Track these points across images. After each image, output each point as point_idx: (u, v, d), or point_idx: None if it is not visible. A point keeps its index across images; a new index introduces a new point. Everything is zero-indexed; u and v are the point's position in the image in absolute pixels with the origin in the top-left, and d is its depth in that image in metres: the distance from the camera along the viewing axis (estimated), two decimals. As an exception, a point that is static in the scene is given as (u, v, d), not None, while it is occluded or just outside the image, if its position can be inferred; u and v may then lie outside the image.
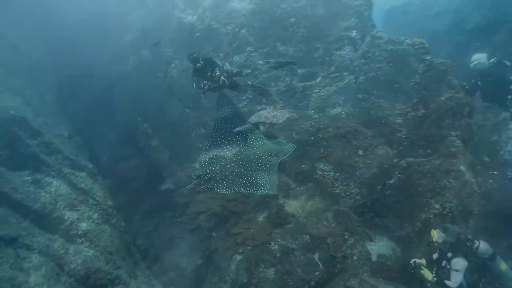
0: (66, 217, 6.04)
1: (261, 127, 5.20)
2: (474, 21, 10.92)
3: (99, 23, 10.78)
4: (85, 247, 5.85)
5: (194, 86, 6.09)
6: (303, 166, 7.19)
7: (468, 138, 6.44)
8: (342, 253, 5.90)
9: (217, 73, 5.89)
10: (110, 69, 10.55)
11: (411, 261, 4.78)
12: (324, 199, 6.71)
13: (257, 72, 8.23)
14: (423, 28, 13.10)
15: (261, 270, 6.12)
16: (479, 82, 6.11)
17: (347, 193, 6.60)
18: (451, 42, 11.39)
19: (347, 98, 7.80)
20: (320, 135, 7.20)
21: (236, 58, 8.91)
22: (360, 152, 6.78)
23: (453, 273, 4.32)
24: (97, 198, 6.90)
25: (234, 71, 6.13)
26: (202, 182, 4.57)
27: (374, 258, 5.93)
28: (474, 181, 6.04)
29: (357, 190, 6.56)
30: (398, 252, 6.03)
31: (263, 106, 8.20)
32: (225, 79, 5.84)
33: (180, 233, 7.77)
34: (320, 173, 6.92)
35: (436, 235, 4.61)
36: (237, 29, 9.14)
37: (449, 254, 4.49)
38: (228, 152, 4.75)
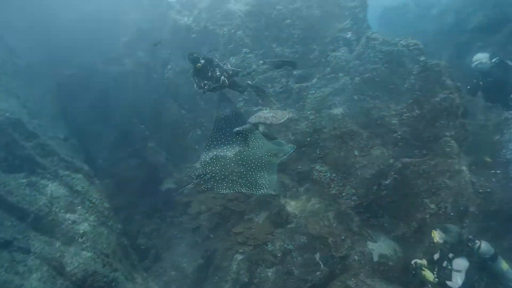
0: (62, 219, 6.03)
1: (261, 128, 5.21)
2: (476, 21, 10.78)
3: (95, 25, 10.75)
4: (82, 249, 5.83)
5: (195, 86, 6.04)
6: (299, 167, 7.21)
7: (462, 138, 6.48)
8: (343, 253, 5.93)
9: (217, 73, 5.88)
10: (106, 70, 10.51)
11: (412, 262, 4.73)
12: (325, 199, 6.74)
13: (253, 73, 8.25)
14: (423, 28, 13.09)
15: (262, 269, 6.14)
16: (480, 82, 6.06)
17: (343, 193, 6.64)
18: (452, 42, 11.26)
19: (343, 99, 7.84)
20: (316, 136, 7.24)
21: (232, 60, 8.92)
22: (356, 153, 6.82)
23: (454, 274, 4.28)
24: (93, 200, 6.89)
25: (235, 71, 6.14)
26: (202, 182, 4.60)
27: (375, 258, 5.95)
28: (469, 181, 6.08)
29: (353, 191, 6.60)
30: (399, 252, 6.05)
31: (259, 107, 8.22)
32: (225, 79, 5.84)
33: (181, 233, 7.80)
34: (316, 174, 6.95)
35: (437, 235, 4.57)
36: (233, 31, 9.17)
37: (450, 255, 4.45)
38: (228, 152, 4.79)
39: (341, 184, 6.70)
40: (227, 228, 7.06)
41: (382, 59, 7.63)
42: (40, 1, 10.19)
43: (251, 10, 9.28)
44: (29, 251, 5.26)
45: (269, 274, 6.07)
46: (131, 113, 10.31)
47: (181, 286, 6.83)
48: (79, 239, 5.96)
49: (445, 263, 4.49)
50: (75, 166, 7.38)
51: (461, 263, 4.32)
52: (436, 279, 4.38)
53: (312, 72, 8.59)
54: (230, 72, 6.00)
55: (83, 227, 6.14)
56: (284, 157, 4.81)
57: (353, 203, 6.54)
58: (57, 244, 5.68)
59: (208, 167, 4.64)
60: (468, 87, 6.36)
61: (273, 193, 6.98)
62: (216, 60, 6.06)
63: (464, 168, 6.17)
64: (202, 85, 5.87)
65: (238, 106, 8.33)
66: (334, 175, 6.80)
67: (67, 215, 6.15)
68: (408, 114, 6.91)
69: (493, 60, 5.92)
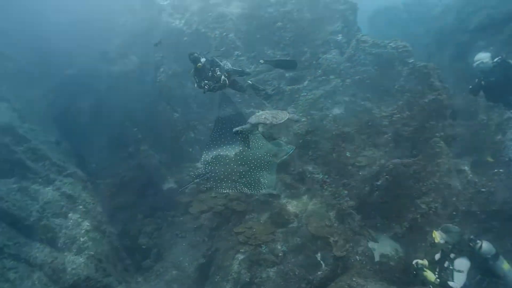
0: (54, 225, 5.99)
1: (261, 128, 5.23)
2: (477, 20, 10.54)
3: (87, 27, 10.68)
4: (74, 255, 5.80)
5: (195, 86, 6.02)
6: (292, 169, 7.27)
7: (451, 139, 6.59)
8: (345, 252, 5.95)
9: (218, 73, 5.87)
10: (99, 74, 10.46)
11: (413, 262, 4.67)
12: (325, 199, 6.77)
13: (244, 77, 8.28)
14: (424, 28, 13.12)
15: (263, 269, 6.15)
16: (482, 82, 5.98)
17: (336, 195, 6.70)
18: (454, 41, 11.03)
19: (334, 101, 7.92)
20: (308, 138, 7.29)
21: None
22: (348, 154, 6.89)
23: (456, 274, 4.26)
24: (86, 205, 6.84)
25: (235, 71, 6.16)
26: (202, 181, 4.64)
27: (377, 258, 5.98)
28: (458, 180, 6.18)
29: (346, 192, 6.66)
30: (400, 252, 6.07)
31: (252, 110, 8.25)
32: (226, 78, 5.84)
33: (183, 232, 7.77)
34: (309, 175, 7.00)
35: (437, 236, 4.55)
36: (224, 34, 9.20)
37: (452, 255, 4.43)
38: (229, 152, 4.85)
39: (333, 185, 6.76)
40: (228, 228, 7.07)
41: (372, 62, 7.74)
42: (30, 5, 10.10)
43: (242, 13, 9.32)
44: (20, 258, 5.21)
45: (270, 274, 6.09)
46: (123, 116, 10.26)
47: (183, 286, 6.81)
48: (72, 244, 5.92)
49: (446, 264, 4.47)
50: (67, 170, 7.31)
51: (462, 263, 4.30)
52: (438, 280, 4.34)
53: (303, 75, 8.65)
54: (231, 72, 6.02)
55: (76, 232, 6.10)
56: (284, 157, 4.87)
57: (345, 204, 6.60)
58: (49, 249, 5.64)
59: (210, 166, 4.69)
60: (470, 86, 6.24)
61: (274, 192, 7.04)
62: (216, 60, 6.07)
63: (453, 168, 6.28)
64: (203, 84, 5.88)
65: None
66: (326, 176, 6.86)
67: (59, 221, 6.11)
68: (398, 115, 7.01)
69: (495, 60, 5.82)
